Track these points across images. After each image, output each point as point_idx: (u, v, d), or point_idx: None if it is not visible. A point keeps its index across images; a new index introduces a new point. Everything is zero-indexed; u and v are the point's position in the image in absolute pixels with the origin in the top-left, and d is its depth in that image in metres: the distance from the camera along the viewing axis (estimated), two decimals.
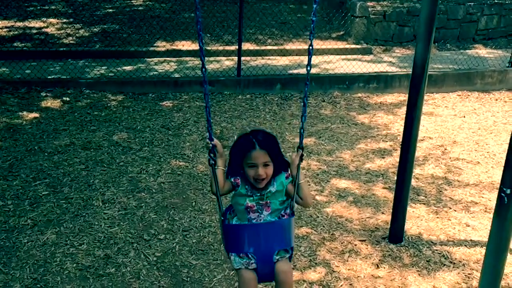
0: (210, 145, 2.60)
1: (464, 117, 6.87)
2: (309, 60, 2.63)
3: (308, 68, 2.63)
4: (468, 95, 7.80)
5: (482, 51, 9.57)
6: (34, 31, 9.48)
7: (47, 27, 9.83)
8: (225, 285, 3.41)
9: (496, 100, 7.65)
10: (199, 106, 6.81)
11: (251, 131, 2.72)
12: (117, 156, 5.26)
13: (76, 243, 3.80)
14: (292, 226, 2.66)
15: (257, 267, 2.54)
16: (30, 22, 9.85)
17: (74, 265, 3.56)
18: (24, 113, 6.30)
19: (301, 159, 2.71)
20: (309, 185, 4.62)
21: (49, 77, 7.30)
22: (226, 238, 2.62)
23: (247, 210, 2.61)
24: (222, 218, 2.65)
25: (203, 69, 2.48)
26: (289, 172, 2.70)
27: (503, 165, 2.57)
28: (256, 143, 2.54)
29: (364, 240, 3.95)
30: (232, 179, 2.66)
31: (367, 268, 3.61)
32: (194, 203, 4.43)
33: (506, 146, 2.58)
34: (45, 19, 10.23)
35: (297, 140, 5.67)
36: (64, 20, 10.28)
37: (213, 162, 2.60)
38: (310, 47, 2.64)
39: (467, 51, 9.55)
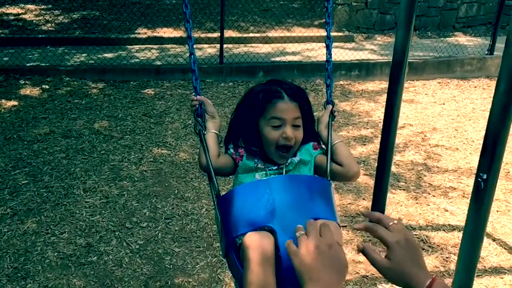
0: (197, 103, 1.96)
1: (444, 104, 6.96)
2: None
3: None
4: (448, 83, 7.90)
5: (462, 39, 9.68)
6: (12, 18, 9.29)
7: (25, 13, 9.63)
8: (208, 272, 3.43)
9: (475, 87, 7.75)
10: (181, 94, 6.77)
11: (270, 80, 1.97)
12: (98, 145, 5.22)
13: (57, 232, 3.78)
14: (333, 194, 1.80)
15: (275, 231, 1.56)
16: (7, 8, 9.64)
17: (56, 254, 3.54)
18: (3, 101, 6.19)
19: (332, 117, 2.05)
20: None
21: (28, 64, 7.18)
22: (227, 217, 1.66)
23: None
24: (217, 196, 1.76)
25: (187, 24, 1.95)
26: (320, 144, 1.97)
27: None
28: (283, 92, 1.83)
29: (345, 226, 4.00)
30: (232, 150, 1.92)
31: (348, 254, 3.66)
32: (176, 191, 4.43)
33: (484, 133, 2.62)
34: (22, 5, 10.02)
35: None
36: (43, 6, 10.09)
37: (200, 127, 1.92)
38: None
39: (447, 38, 9.65)
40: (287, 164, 1.86)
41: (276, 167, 1.85)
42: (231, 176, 2.03)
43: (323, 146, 1.99)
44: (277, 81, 1.93)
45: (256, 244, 1.54)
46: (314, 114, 2.10)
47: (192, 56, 2.02)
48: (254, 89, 1.94)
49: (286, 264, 1.50)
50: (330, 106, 2.09)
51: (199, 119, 1.95)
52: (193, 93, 2.02)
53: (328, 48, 2.11)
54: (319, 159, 1.90)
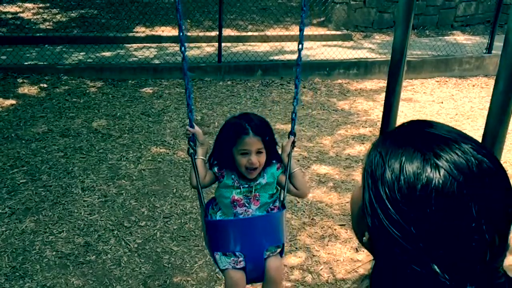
0: (190, 133, 2.45)
1: (442, 103, 6.96)
2: (301, 38, 2.56)
3: (300, 47, 2.59)
4: (446, 81, 7.90)
5: (460, 38, 9.68)
6: (10, 16, 9.27)
7: (22, 12, 9.61)
8: (206, 270, 3.43)
9: (473, 86, 7.76)
10: (179, 93, 6.76)
11: (241, 114, 2.50)
12: (97, 143, 5.21)
13: (56, 231, 3.78)
14: (283, 220, 2.48)
15: (245, 266, 2.40)
16: (5, 7, 9.61)
17: (54, 253, 3.54)
18: (0, 100, 6.18)
19: (293, 146, 2.54)
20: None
21: (26, 63, 7.16)
22: (210, 236, 2.42)
23: (233, 204, 2.42)
24: (205, 214, 2.44)
25: (183, 48, 2.36)
26: (281, 163, 2.52)
27: None
28: (250, 129, 2.33)
29: (344, 225, 4.00)
30: (216, 169, 2.45)
31: (347, 252, 3.66)
32: (175, 190, 4.42)
33: (482, 131, 2.62)
34: (20, 3, 10.00)
35: (279, 126, 5.70)
36: (41, 5, 10.06)
37: (192, 151, 2.44)
38: (301, 25, 2.54)
39: (445, 37, 9.65)
40: (256, 183, 2.42)
41: (247, 186, 2.42)
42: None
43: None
44: (247, 117, 2.42)
45: (234, 278, 2.40)
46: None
47: (187, 80, 2.43)
48: (229, 122, 2.44)
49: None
50: (292, 138, 2.54)
51: (192, 144, 2.45)
52: (188, 125, 2.46)
53: (297, 87, 2.60)
54: (280, 178, 2.49)
